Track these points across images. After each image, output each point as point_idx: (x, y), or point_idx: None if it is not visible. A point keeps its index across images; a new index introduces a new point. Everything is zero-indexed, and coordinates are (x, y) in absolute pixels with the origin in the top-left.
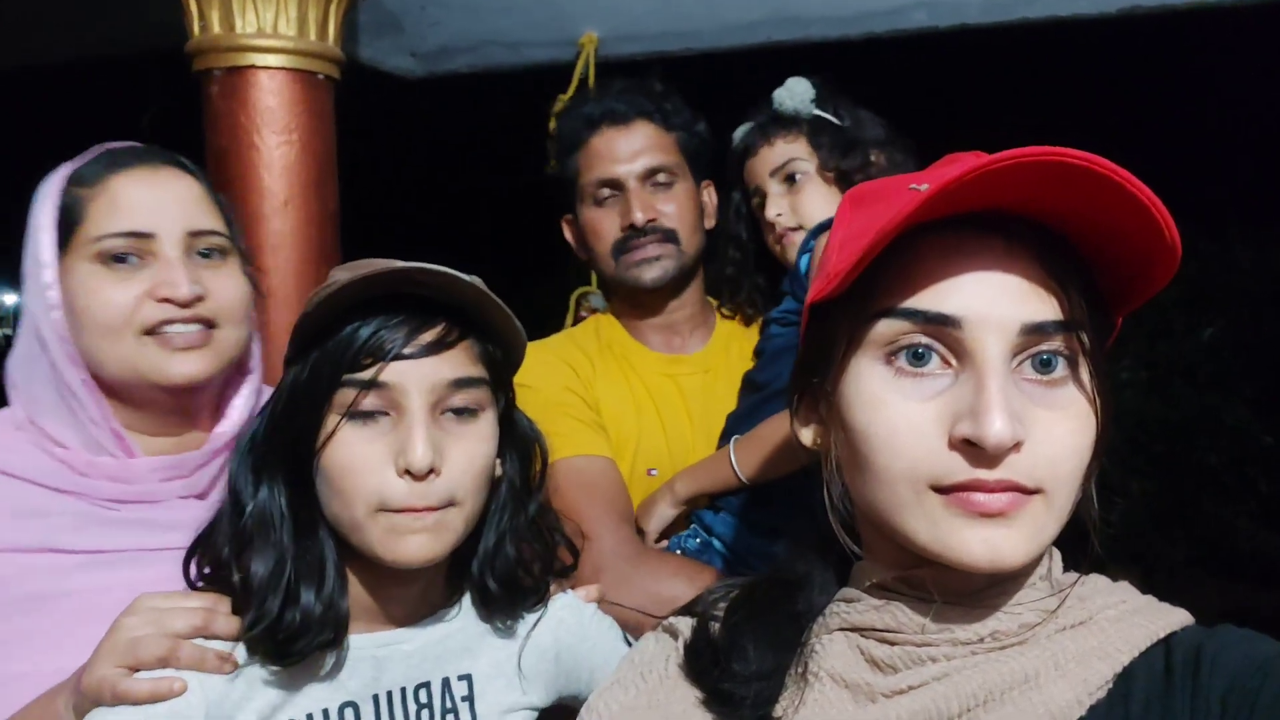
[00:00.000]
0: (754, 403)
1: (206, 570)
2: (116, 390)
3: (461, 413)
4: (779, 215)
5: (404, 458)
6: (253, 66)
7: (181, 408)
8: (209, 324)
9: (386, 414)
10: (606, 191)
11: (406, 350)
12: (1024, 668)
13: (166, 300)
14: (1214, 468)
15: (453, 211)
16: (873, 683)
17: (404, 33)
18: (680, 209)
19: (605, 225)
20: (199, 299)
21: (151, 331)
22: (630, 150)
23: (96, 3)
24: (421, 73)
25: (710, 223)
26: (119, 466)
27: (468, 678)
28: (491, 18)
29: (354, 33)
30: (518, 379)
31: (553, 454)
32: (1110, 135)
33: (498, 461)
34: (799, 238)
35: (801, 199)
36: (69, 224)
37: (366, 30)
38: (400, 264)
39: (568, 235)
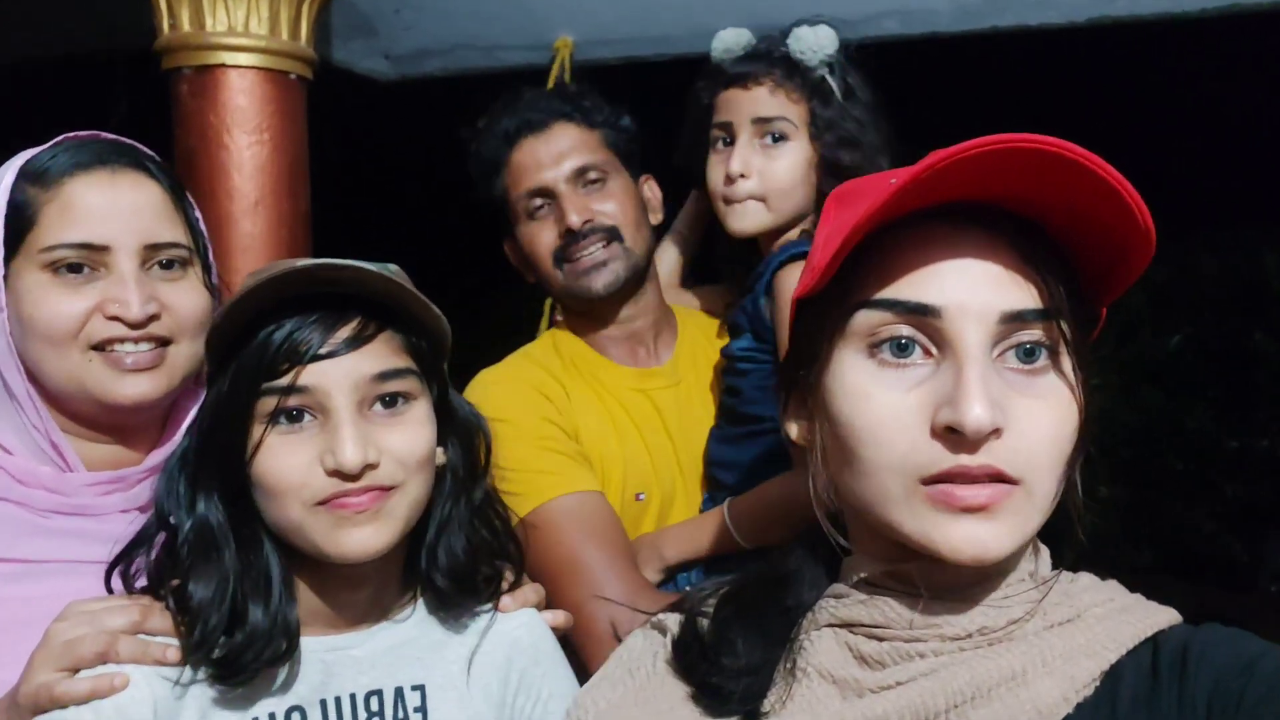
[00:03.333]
0: (739, 434)
1: (137, 587)
2: (59, 401)
3: (391, 403)
4: (742, 174)
5: (333, 457)
6: (223, 65)
7: (128, 423)
8: (164, 341)
9: (313, 416)
10: (538, 202)
11: (323, 350)
12: (1011, 665)
13: (117, 319)
14: (1179, 471)
15: (425, 214)
16: (860, 678)
17: (377, 35)
18: (619, 205)
19: (543, 237)
20: (153, 318)
21: (100, 347)
22: (553, 154)
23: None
24: (395, 75)
25: (656, 218)
26: (56, 478)
27: (421, 688)
28: (465, 21)
29: (327, 34)
30: (492, 414)
31: (541, 494)
32: (1077, 143)
33: (440, 450)
34: (754, 212)
35: (775, 166)
36: (20, 226)
37: (339, 32)
38: (303, 262)
39: (512, 259)
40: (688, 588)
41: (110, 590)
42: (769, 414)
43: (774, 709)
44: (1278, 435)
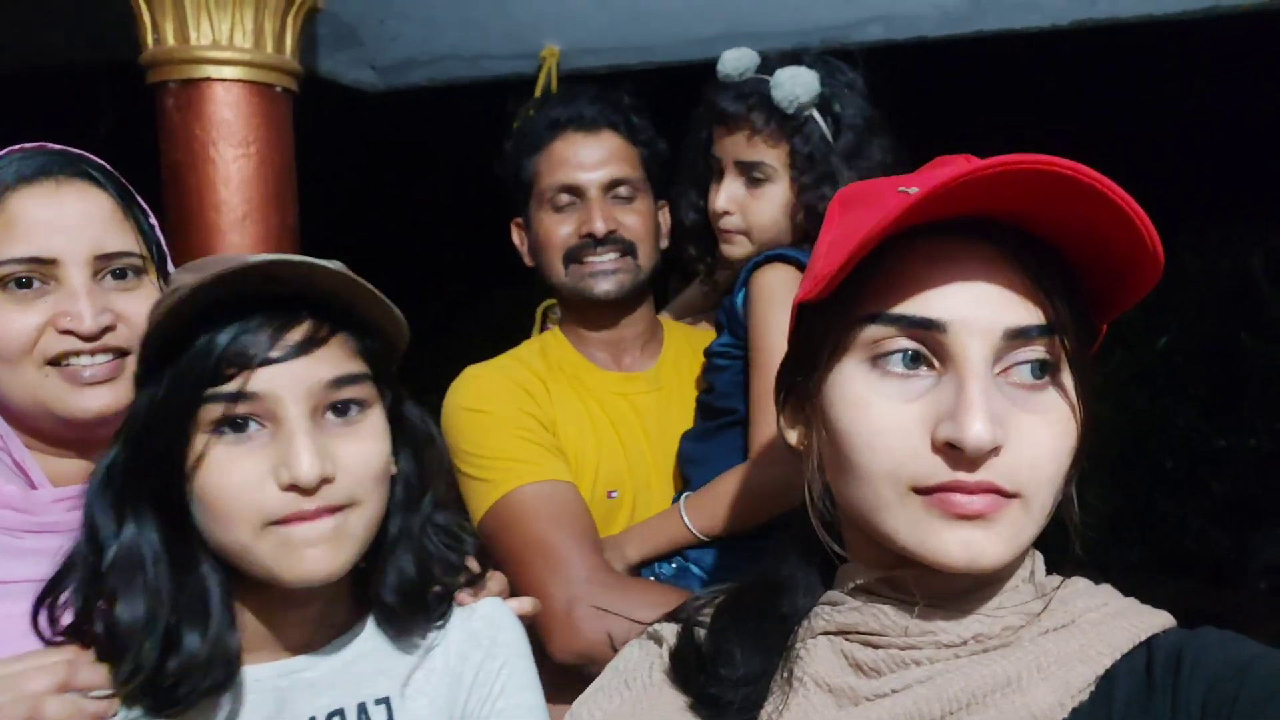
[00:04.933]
0: (711, 428)
1: (65, 622)
2: (20, 418)
3: (346, 412)
4: (726, 212)
5: (287, 470)
6: (208, 79)
7: (92, 436)
8: (121, 352)
9: (262, 425)
10: (566, 198)
11: (273, 354)
12: (1006, 670)
13: (70, 332)
14: (1168, 470)
15: (413, 224)
16: (856, 686)
17: (363, 46)
18: (641, 222)
19: (560, 231)
20: (108, 329)
21: (55, 362)
22: (595, 158)
23: (49, 12)
24: (382, 86)
25: (665, 243)
26: (23, 497)
27: (385, 702)
28: (451, 31)
29: (312, 45)
30: (472, 405)
31: (513, 481)
32: (1061, 146)
33: (391, 460)
34: (740, 244)
35: (757, 205)
36: None
37: (325, 43)
38: (251, 259)
39: (516, 240)
40: (651, 578)
41: (40, 634)
42: (737, 407)
43: (770, 719)
44: (1264, 434)
